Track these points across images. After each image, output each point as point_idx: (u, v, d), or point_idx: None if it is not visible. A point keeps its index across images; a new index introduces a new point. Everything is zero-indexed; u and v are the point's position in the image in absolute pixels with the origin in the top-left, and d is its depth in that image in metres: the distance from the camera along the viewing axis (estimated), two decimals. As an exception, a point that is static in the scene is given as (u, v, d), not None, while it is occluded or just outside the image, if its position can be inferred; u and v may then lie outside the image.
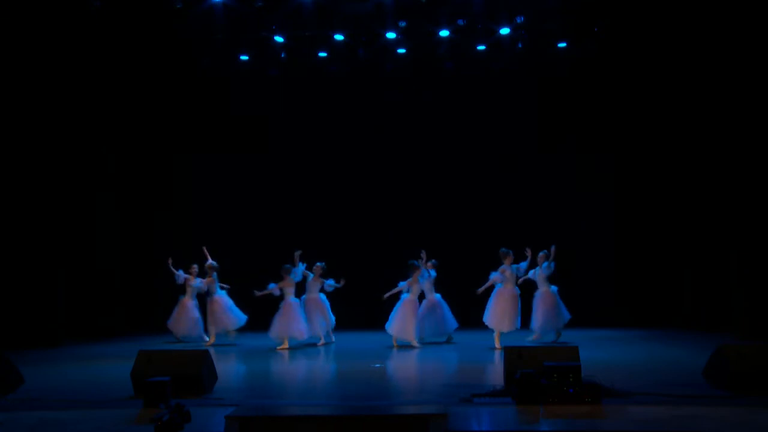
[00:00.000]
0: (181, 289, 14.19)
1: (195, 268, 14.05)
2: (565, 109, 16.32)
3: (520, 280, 12.76)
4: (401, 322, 12.74)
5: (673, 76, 14.92)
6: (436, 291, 13.38)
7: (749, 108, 13.03)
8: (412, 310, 12.78)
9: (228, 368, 10.69)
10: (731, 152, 13.51)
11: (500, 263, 12.57)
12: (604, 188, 16.13)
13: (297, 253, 13.04)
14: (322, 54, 15.37)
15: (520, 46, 14.73)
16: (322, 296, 13.40)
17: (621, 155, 16.08)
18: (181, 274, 14.04)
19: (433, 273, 13.31)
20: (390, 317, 12.84)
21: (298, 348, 12.90)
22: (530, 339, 12.80)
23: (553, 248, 12.73)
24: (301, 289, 13.42)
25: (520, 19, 13.89)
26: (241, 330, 13.98)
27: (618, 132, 16.02)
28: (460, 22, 14.00)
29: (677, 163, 15.12)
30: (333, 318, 13.55)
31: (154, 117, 16.51)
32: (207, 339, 13.84)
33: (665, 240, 15.58)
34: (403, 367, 10.87)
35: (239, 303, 13.80)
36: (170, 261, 14.00)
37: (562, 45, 15.13)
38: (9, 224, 13.57)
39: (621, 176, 16.15)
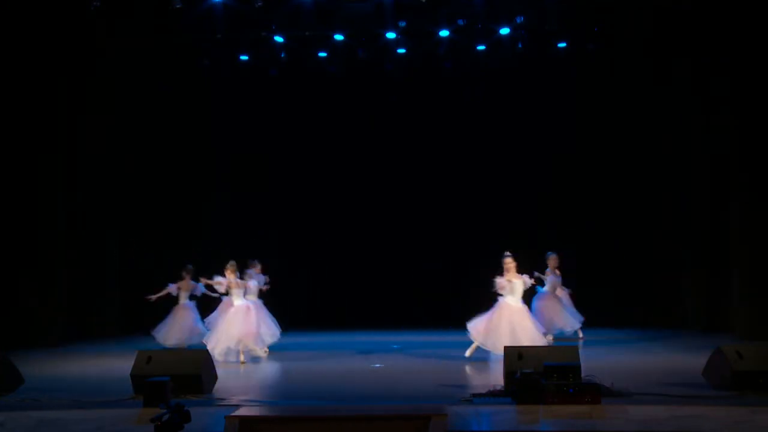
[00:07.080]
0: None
1: None
2: (565, 110, 16.29)
3: None
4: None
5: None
6: None
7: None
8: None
9: (228, 368, 10.68)
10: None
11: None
12: (604, 189, 16.10)
13: None
14: (322, 54, 15.36)
15: (520, 46, 14.72)
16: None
17: (620, 156, 16.05)
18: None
19: None
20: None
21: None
22: None
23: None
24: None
25: (520, 19, 13.87)
26: None
27: (618, 135, 16.00)
28: (460, 22, 13.97)
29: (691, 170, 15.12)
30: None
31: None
32: None
33: (665, 240, 15.55)
34: (403, 367, 10.86)
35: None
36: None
37: (562, 45, 15.13)
38: (8, 222, 13.56)
39: (617, 175, 16.12)
